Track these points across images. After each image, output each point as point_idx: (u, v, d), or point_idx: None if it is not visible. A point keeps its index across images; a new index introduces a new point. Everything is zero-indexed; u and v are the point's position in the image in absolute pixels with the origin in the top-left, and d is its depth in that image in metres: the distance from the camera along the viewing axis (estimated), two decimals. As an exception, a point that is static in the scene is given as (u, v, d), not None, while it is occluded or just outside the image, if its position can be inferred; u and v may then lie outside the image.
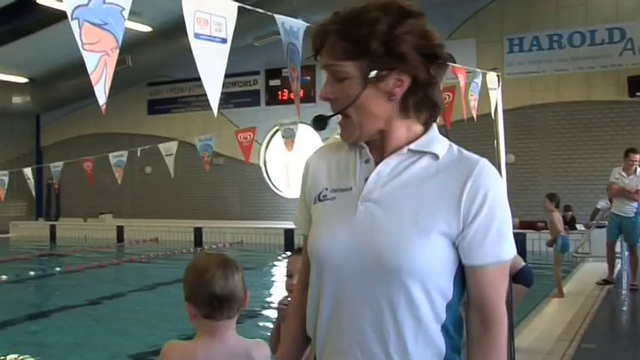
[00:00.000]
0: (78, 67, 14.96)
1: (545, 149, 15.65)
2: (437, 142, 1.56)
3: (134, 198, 20.74)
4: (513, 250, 1.51)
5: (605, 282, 8.91)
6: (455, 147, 1.58)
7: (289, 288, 2.77)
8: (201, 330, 2.10)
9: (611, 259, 9.15)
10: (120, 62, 1.55)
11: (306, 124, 18.91)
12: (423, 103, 1.53)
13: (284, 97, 18.17)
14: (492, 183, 1.51)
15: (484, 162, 1.53)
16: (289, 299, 2.72)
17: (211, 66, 1.76)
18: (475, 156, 1.56)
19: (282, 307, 2.76)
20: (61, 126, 22.18)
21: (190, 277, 2.11)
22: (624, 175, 8.91)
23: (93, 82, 1.51)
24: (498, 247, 1.49)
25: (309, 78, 17.33)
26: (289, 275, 2.78)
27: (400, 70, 1.47)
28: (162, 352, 2.13)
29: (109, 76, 1.53)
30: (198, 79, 1.70)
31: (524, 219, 13.95)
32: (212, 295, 2.03)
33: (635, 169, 8.85)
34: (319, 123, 1.60)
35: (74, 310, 8.92)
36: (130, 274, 12.45)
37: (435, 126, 1.59)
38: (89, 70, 1.50)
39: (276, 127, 17.37)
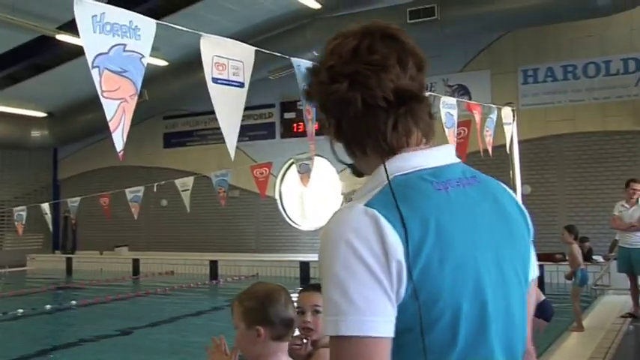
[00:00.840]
0: (95, 102, 14.98)
1: (562, 180, 15.55)
2: (359, 191, 1.31)
3: (150, 230, 20.79)
4: (335, 327, 1.14)
5: (630, 315, 8.76)
6: (363, 200, 1.24)
7: (302, 325, 2.65)
8: (266, 352, 2.25)
9: (634, 292, 9.01)
10: (137, 96, 1.57)
11: (322, 156, 18.79)
12: (346, 140, 1.36)
13: (299, 130, 18.23)
14: (321, 239, 1.22)
15: (332, 217, 1.24)
16: (304, 340, 2.65)
17: (229, 110, 1.78)
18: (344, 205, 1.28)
19: (295, 347, 2.63)
20: (78, 159, 22.39)
21: (261, 301, 2.27)
22: (627, 206, 8.84)
23: (111, 129, 1.53)
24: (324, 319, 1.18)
25: (323, 110, 17.39)
26: (302, 312, 2.67)
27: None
28: None
29: (127, 123, 1.55)
30: (214, 112, 1.71)
31: (541, 251, 13.79)
32: (289, 317, 2.26)
33: (638, 199, 8.79)
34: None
35: (90, 343, 8.91)
36: (146, 307, 12.43)
37: (378, 170, 1.30)
38: (108, 117, 1.51)
39: (292, 161, 17.44)
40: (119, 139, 1.53)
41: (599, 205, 14.95)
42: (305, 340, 2.63)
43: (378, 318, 1.14)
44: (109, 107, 1.53)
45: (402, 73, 1.30)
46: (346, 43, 1.32)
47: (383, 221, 1.17)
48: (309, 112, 2.12)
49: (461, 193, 1.29)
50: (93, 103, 17.31)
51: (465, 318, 1.21)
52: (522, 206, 1.43)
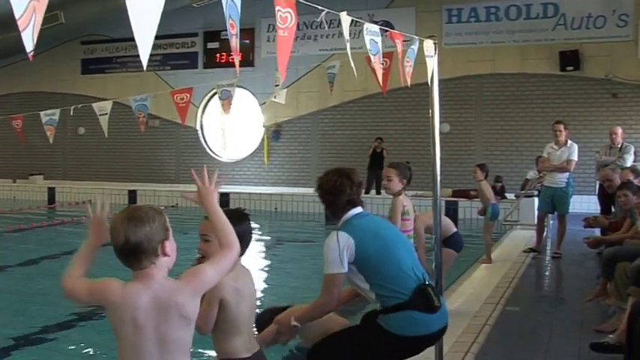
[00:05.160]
0: (5, 22, 14.35)
1: (479, 119, 15.97)
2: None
3: (66, 159, 20.24)
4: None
5: (531, 250, 9.15)
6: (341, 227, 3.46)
7: (202, 252, 2.82)
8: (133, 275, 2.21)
9: (539, 229, 9.39)
10: (52, 19, 1.49)
11: (244, 88, 18.43)
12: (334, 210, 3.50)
13: (222, 60, 17.94)
14: None
15: None
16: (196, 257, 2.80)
17: (145, 18, 1.72)
18: None
19: None
20: (-12, 83, 21.34)
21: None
22: (555, 147, 9.07)
23: (20, 28, 1.46)
24: None
25: (248, 41, 17.15)
26: (205, 240, 2.82)
27: None
28: (101, 283, 2.23)
29: (38, 23, 1.48)
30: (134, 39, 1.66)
31: (457, 187, 14.28)
32: (117, 248, 2.15)
33: (566, 140, 9.04)
34: None
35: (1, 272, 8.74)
36: (61, 237, 12.19)
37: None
38: (16, 16, 1.44)
39: (214, 90, 17.18)
40: (29, 39, 1.46)
41: (513, 145, 15.51)
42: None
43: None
44: (18, 5, 1.46)
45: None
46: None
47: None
48: (233, 26, 2.06)
49: (369, 217, 3.48)
50: (3, 24, 16.41)
51: (375, 256, 3.31)
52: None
